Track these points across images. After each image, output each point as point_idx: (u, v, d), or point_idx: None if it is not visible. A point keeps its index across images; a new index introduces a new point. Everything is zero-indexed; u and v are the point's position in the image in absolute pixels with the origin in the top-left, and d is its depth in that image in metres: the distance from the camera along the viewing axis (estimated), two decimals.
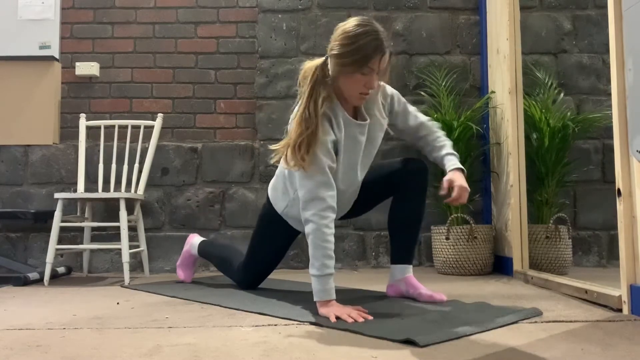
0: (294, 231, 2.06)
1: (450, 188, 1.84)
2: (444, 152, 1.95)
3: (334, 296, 1.66)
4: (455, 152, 1.98)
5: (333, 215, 1.71)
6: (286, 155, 1.71)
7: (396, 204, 1.99)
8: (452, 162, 1.92)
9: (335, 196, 1.72)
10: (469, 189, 1.85)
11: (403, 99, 1.98)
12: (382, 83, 1.88)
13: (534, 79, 3.10)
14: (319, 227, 1.66)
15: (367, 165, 1.94)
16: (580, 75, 3.22)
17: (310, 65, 1.76)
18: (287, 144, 1.70)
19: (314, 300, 1.67)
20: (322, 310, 1.62)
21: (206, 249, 2.44)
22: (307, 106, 1.69)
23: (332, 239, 1.68)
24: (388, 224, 2.02)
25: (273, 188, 2.05)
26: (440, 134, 2.00)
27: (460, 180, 1.85)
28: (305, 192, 1.70)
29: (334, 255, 1.69)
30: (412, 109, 1.99)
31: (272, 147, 1.78)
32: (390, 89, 1.94)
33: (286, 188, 1.95)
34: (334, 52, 1.68)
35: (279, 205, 2.01)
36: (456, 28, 3.27)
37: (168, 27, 3.26)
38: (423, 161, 1.98)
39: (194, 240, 2.50)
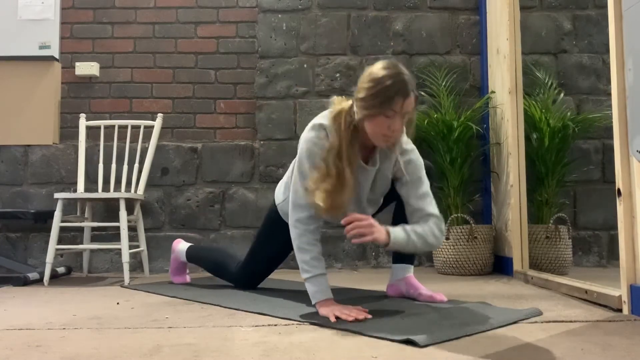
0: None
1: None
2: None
3: (330, 295, 1.67)
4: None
5: (317, 224, 1.74)
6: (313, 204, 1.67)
7: (400, 204, 1.99)
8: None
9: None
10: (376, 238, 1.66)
11: (418, 172, 1.84)
12: (407, 138, 1.84)
13: (534, 79, 3.10)
14: (304, 233, 1.71)
15: (376, 200, 1.92)
16: (580, 75, 3.22)
17: (340, 108, 1.74)
18: (317, 186, 1.66)
19: (312, 303, 1.68)
20: (322, 311, 1.62)
21: (196, 254, 2.44)
22: (341, 158, 1.67)
23: (317, 243, 1.72)
24: (391, 224, 2.02)
25: (280, 182, 2.10)
26: (428, 228, 1.78)
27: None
28: (295, 198, 1.74)
29: (322, 257, 1.71)
30: (422, 190, 1.83)
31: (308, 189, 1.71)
32: (413, 156, 1.85)
33: (288, 185, 1.97)
34: (360, 95, 1.69)
35: (278, 198, 2.05)
36: (456, 28, 3.27)
37: (168, 27, 3.26)
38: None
39: (180, 247, 2.48)
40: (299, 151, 1.77)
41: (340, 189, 1.66)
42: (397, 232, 1.70)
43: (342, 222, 1.65)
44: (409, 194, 1.83)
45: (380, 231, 1.64)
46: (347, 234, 1.63)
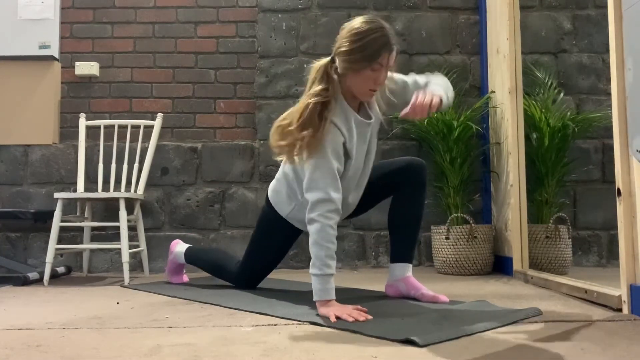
0: (295, 233, 2.07)
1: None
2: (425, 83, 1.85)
3: (333, 296, 1.66)
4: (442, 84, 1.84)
5: (338, 218, 1.71)
6: (291, 154, 1.70)
7: (396, 202, 2.00)
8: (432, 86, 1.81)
9: (341, 199, 1.73)
10: (438, 100, 1.69)
11: (397, 75, 1.88)
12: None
13: (534, 79, 3.10)
14: (324, 228, 1.67)
15: (369, 166, 1.93)
16: (580, 75, 3.22)
17: (317, 65, 1.76)
18: (292, 144, 1.68)
19: (314, 299, 1.67)
20: (322, 310, 1.62)
21: (194, 256, 2.40)
22: (314, 108, 1.67)
23: (335, 240, 1.69)
24: (388, 223, 2.03)
25: (275, 192, 2.03)
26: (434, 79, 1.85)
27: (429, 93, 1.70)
28: (314, 194, 1.70)
29: (335, 256, 1.69)
30: (409, 80, 1.88)
31: (275, 146, 1.74)
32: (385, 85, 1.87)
33: (293, 191, 1.94)
34: (343, 49, 1.68)
35: (284, 209, 2.00)
36: (456, 28, 3.27)
37: (168, 27, 3.26)
38: (422, 160, 1.98)
39: (178, 248, 2.45)
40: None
41: (315, 141, 1.66)
42: (437, 89, 1.74)
43: (404, 113, 1.68)
44: (405, 92, 1.86)
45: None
46: (412, 114, 1.66)
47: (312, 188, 1.71)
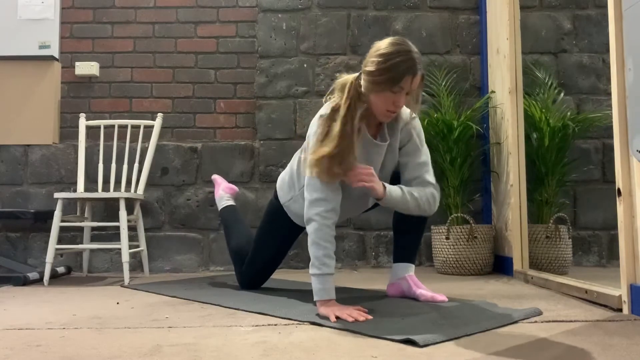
0: (297, 227, 2.10)
1: None
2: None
3: (333, 296, 1.66)
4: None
5: (335, 218, 1.73)
6: (313, 164, 1.69)
7: None
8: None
9: (339, 200, 1.74)
10: (373, 185, 1.72)
11: (421, 139, 1.90)
12: (409, 111, 1.88)
13: (534, 79, 3.10)
14: (321, 227, 1.68)
15: (385, 179, 1.92)
16: (580, 75, 3.22)
17: (345, 79, 1.77)
18: (323, 156, 1.67)
19: (314, 299, 1.67)
20: (322, 310, 1.62)
21: (230, 223, 2.41)
22: (346, 122, 1.68)
23: (333, 240, 1.70)
24: (393, 223, 2.05)
25: (282, 179, 2.10)
26: (424, 194, 1.83)
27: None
28: (312, 192, 1.72)
29: (334, 256, 1.70)
30: (423, 158, 1.89)
31: (308, 159, 1.72)
32: (416, 124, 1.90)
33: (293, 182, 2.00)
34: (368, 68, 1.71)
35: (284, 197, 2.06)
36: (456, 28, 3.27)
37: (168, 27, 3.26)
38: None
39: (219, 196, 2.53)
40: (306, 143, 1.80)
41: (345, 152, 1.67)
42: (394, 189, 1.76)
43: (348, 173, 1.70)
44: (409, 161, 1.88)
45: (378, 183, 1.72)
46: (350, 181, 1.69)
47: (310, 185, 1.73)
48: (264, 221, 2.17)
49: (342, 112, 1.70)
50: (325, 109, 1.77)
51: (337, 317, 1.55)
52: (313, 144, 1.73)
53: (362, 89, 1.73)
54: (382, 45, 1.71)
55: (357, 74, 1.77)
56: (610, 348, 1.24)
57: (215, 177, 2.68)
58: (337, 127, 1.68)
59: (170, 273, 3.06)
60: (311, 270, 1.68)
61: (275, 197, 2.12)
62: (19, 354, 1.25)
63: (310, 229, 1.71)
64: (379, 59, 1.67)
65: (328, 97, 1.81)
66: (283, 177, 2.09)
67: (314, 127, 1.77)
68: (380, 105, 1.73)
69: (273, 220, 2.12)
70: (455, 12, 3.27)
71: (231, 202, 2.50)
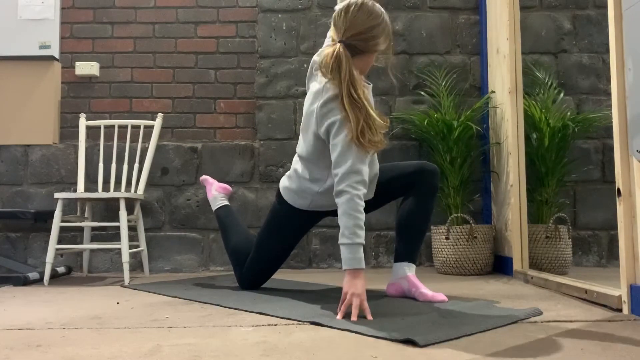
0: (305, 228, 2.13)
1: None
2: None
3: (363, 265, 1.67)
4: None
5: (365, 190, 1.75)
6: (357, 137, 1.71)
7: (407, 203, 2.04)
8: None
9: (368, 172, 1.79)
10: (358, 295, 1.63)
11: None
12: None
13: (534, 79, 3.10)
14: (352, 198, 1.70)
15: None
16: (580, 75, 3.22)
17: (330, 50, 1.77)
18: (352, 135, 1.71)
19: (343, 268, 1.68)
20: (349, 283, 1.63)
21: (225, 223, 2.39)
22: (349, 91, 1.73)
23: (363, 211, 1.72)
24: (396, 223, 2.07)
25: (289, 190, 2.04)
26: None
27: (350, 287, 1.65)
28: (344, 167, 1.72)
29: (364, 227, 1.71)
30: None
31: (351, 135, 1.73)
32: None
33: (314, 179, 1.94)
34: (370, 34, 1.78)
35: (303, 203, 2.01)
36: (456, 28, 3.27)
37: (168, 27, 3.26)
38: (435, 165, 2.05)
39: (212, 197, 2.49)
40: (327, 122, 1.79)
41: (370, 118, 1.73)
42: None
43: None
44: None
45: (357, 288, 1.62)
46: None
47: (341, 162, 1.73)
48: (270, 224, 2.13)
49: (345, 83, 1.73)
50: (333, 90, 1.77)
51: (343, 316, 1.58)
52: (351, 125, 1.72)
53: (362, 49, 1.79)
54: (368, 6, 1.77)
55: (338, 44, 1.76)
56: (610, 348, 1.24)
57: (205, 178, 2.61)
58: (356, 96, 1.73)
59: (170, 273, 3.06)
60: (341, 240, 1.69)
61: (280, 202, 2.08)
62: (19, 354, 1.25)
63: (341, 200, 1.72)
64: (376, 21, 1.78)
65: (315, 73, 1.87)
66: (289, 187, 2.03)
67: (336, 111, 1.76)
68: (368, 65, 1.87)
69: (279, 224, 2.10)
70: (455, 12, 3.27)
71: (225, 202, 2.48)
